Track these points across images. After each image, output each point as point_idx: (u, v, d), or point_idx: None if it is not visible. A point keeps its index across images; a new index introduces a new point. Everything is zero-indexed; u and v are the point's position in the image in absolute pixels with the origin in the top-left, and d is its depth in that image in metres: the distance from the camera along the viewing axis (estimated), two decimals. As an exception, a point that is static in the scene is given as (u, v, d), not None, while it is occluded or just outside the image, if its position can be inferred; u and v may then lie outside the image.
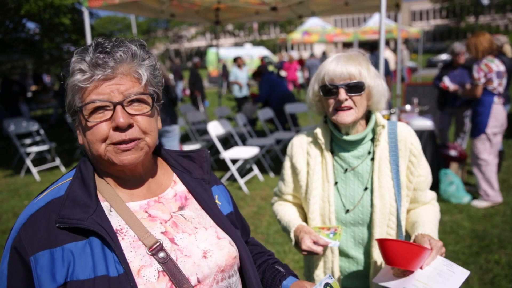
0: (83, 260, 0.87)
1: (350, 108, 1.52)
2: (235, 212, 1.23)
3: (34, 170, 6.87)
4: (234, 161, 6.00)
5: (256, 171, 6.11)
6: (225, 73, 17.02)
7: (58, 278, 0.86)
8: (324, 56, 19.10)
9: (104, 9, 5.71)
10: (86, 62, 0.91)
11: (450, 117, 6.24)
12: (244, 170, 6.36)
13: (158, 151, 1.15)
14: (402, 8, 6.52)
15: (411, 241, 1.48)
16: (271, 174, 6.32)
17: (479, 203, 4.70)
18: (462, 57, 5.78)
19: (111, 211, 0.97)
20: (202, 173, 1.17)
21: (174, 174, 1.13)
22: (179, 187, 1.11)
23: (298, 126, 8.04)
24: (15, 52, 8.60)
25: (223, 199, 1.19)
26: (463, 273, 1.28)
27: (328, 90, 1.53)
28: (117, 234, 0.93)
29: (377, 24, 15.38)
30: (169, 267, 0.92)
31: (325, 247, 1.52)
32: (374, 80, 1.54)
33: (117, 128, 0.93)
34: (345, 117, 1.52)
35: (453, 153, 5.28)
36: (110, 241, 0.88)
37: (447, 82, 5.35)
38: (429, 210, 1.68)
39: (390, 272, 1.37)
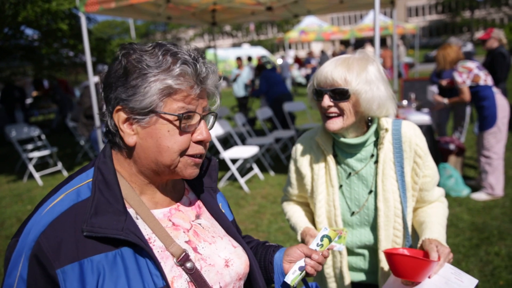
0: (115, 273, 0.82)
1: (338, 114, 1.49)
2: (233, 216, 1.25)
3: (36, 175, 6.92)
4: (234, 161, 6.04)
5: (256, 170, 6.15)
6: None
7: None
8: (324, 54, 19.10)
9: (101, 14, 5.74)
10: (192, 69, 0.88)
11: (448, 112, 6.28)
12: (244, 170, 6.40)
13: None
14: (397, 4, 6.55)
15: (418, 245, 1.47)
16: (271, 173, 6.36)
17: (479, 196, 4.73)
18: None
19: (137, 218, 0.92)
20: (210, 182, 1.14)
21: (185, 182, 1.11)
22: (192, 195, 1.09)
23: (295, 124, 8.08)
24: (14, 59, 8.65)
25: (225, 207, 1.18)
26: (471, 282, 1.27)
27: (317, 93, 1.51)
28: None
29: (373, 21, 15.36)
30: (196, 278, 0.90)
31: (330, 250, 1.52)
32: (363, 86, 1.44)
33: (200, 142, 0.93)
34: (331, 125, 1.50)
35: (451, 147, 5.32)
36: (150, 252, 0.84)
37: (437, 96, 5.34)
38: (437, 209, 1.66)
39: (398, 281, 1.38)
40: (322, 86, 1.48)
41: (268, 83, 8.08)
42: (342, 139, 1.57)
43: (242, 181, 5.76)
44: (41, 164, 7.88)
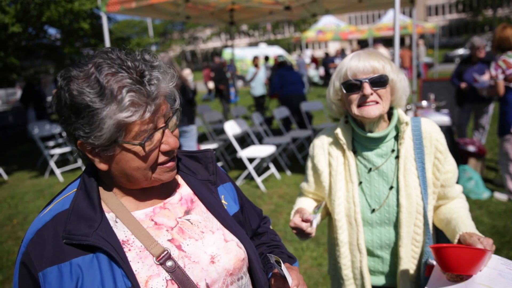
0: (91, 274, 0.87)
1: (375, 102, 1.50)
2: (243, 207, 1.23)
3: (57, 171, 7.09)
4: (251, 160, 6.07)
5: (273, 169, 6.16)
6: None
7: None
8: (343, 53, 19.02)
9: (122, 13, 5.85)
10: (140, 95, 0.86)
11: (469, 113, 6.16)
12: (261, 169, 6.43)
13: None
14: (417, 3, 6.47)
15: (455, 240, 1.43)
16: (288, 172, 6.37)
17: (501, 196, 4.65)
18: (483, 51, 5.64)
19: (116, 222, 0.96)
20: (207, 174, 1.15)
21: (179, 177, 1.11)
22: (185, 190, 1.09)
23: (312, 124, 8.04)
24: (37, 58, 8.88)
25: (230, 199, 1.18)
26: None
27: (351, 85, 1.50)
28: (124, 246, 0.92)
29: (391, 20, 15.17)
30: (178, 275, 0.92)
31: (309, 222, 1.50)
32: (397, 75, 1.52)
33: (167, 152, 0.95)
34: (371, 111, 1.49)
35: (471, 148, 5.22)
36: (116, 256, 0.88)
37: (478, 78, 5.23)
38: (461, 204, 1.63)
39: (443, 277, 1.29)
40: (360, 76, 1.48)
41: (282, 81, 8.03)
42: (369, 134, 1.56)
43: (258, 180, 5.78)
44: (62, 161, 8.08)
